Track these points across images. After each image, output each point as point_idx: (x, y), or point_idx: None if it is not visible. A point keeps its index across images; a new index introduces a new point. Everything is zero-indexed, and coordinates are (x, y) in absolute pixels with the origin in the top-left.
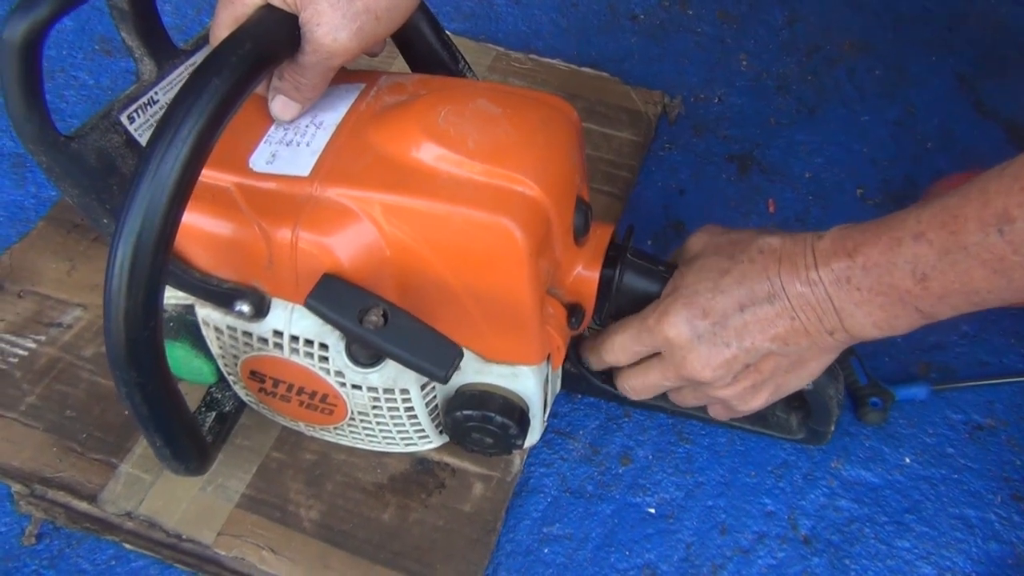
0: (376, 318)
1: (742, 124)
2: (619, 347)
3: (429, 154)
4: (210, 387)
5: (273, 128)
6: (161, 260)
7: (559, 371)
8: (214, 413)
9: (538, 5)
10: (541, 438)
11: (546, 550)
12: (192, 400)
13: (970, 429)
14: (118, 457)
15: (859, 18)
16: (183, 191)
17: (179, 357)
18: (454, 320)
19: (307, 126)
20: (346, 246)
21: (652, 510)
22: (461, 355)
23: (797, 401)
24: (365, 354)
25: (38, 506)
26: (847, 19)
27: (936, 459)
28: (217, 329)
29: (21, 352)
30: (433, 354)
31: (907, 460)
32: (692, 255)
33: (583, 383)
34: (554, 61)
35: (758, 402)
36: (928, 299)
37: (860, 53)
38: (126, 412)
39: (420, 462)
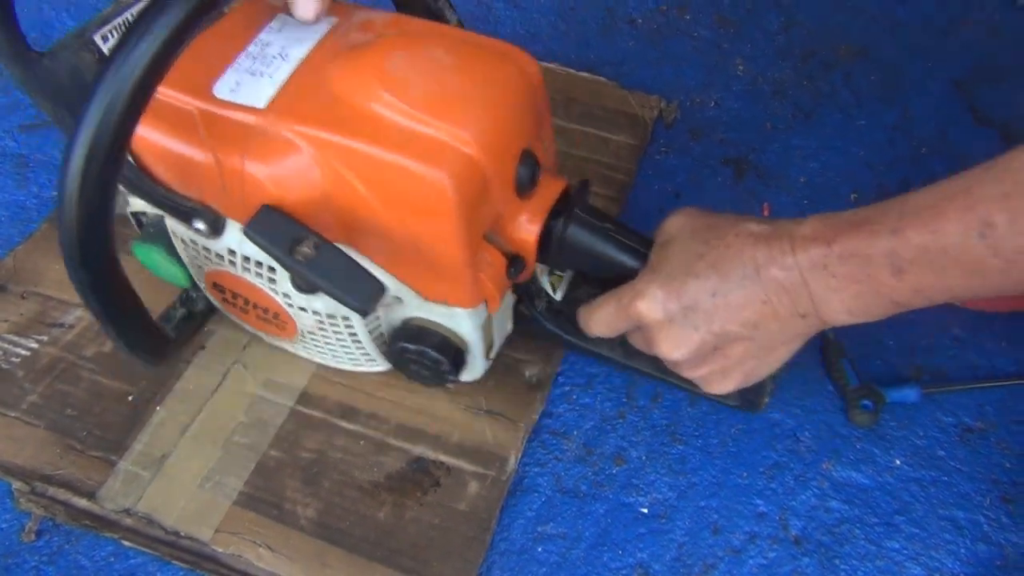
0: (308, 250)
1: (738, 128)
2: (603, 323)
3: (378, 100)
4: (186, 288)
5: (243, 56)
6: (113, 164)
7: (508, 313)
8: (185, 310)
9: (536, 8)
10: (535, 439)
11: (540, 549)
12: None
13: (960, 432)
14: (118, 455)
15: (855, 24)
16: (143, 93)
17: (157, 260)
18: (392, 259)
19: (273, 57)
20: (290, 180)
21: (645, 510)
22: (383, 291)
23: None
24: (306, 282)
25: (38, 503)
26: (843, 24)
27: (926, 461)
28: (183, 241)
29: (23, 352)
30: (355, 288)
31: (897, 462)
32: (669, 237)
33: (534, 326)
34: (552, 65)
35: (728, 386)
36: (903, 292)
37: (856, 58)
38: (127, 407)
39: (416, 460)
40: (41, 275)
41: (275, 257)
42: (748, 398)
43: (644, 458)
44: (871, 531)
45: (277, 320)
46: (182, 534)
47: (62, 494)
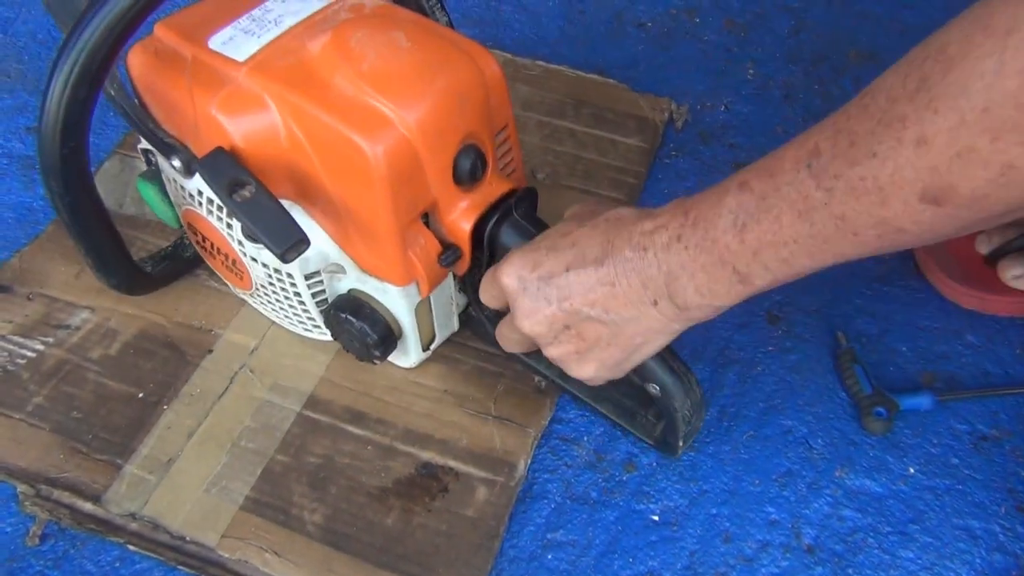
0: (246, 193)
1: (748, 132)
2: (485, 293)
3: (335, 70)
4: (181, 233)
5: (244, 17)
6: (93, 83)
7: (452, 310)
8: (170, 251)
9: (545, 12)
10: (545, 445)
11: (549, 556)
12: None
13: (975, 439)
14: (123, 458)
15: (865, 28)
16: (130, 21)
17: (153, 198)
18: (336, 226)
19: (269, 22)
20: (248, 129)
21: (656, 517)
22: (304, 242)
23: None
24: None
25: (43, 507)
26: (853, 29)
27: (940, 469)
28: (169, 179)
29: (29, 354)
30: (279, 233)
31: (911, 470)
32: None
33: (479, 329)
34: (561, 67)
35: (586, 371)
36: (744, 256)
37: (866, 62)
38: (134, 410)
39: (424, 466)
40: (47, 277)
41: (216, 195)
42: (665, 440)
43: (655, 465)
44: (885, 540)
45: (235, 268)
46: (188, 539)
47: (67, 497)
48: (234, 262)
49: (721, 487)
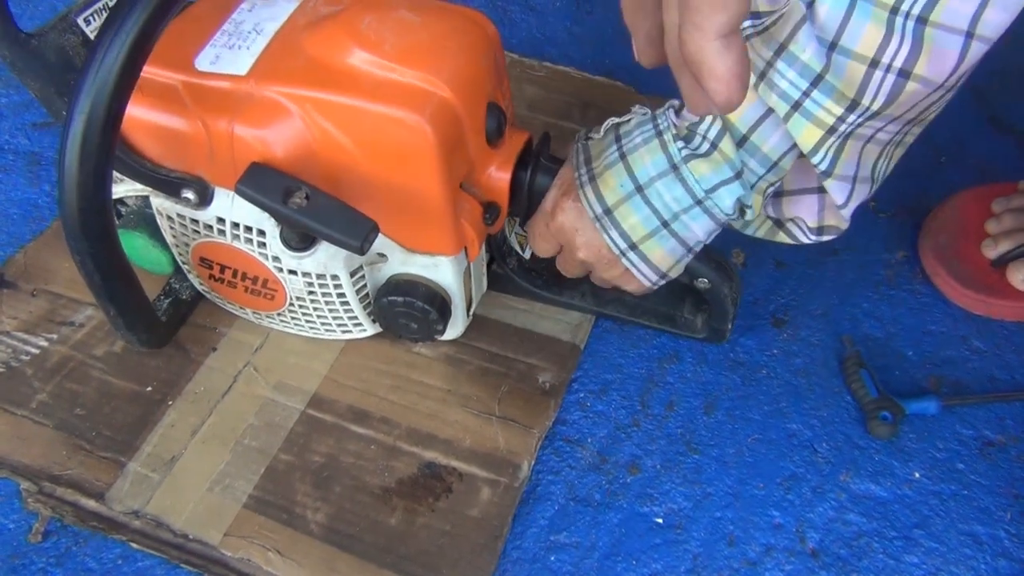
0: (300, 200)
1: None
2: (540, 240)
3: (353, 56)
4: (169, 278)
5: (219, 34)
6: (109, 136)
7: (483, 270)
8: (171, 299)
9: (552, 13)
10: (549, 447)
11: (553, 558)
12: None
13: (980, 445)
14: (127, 456)
15: None
16: (128, 74)
17: (139, 247)
18: (377, 212)
19: (249, 32)
20: (277, 138)
21: (660, 520)
22: (376, 228)
23: (703, 304)
24: (296, 238)
25: (46, 503)
26: None
27: (946, 474)
28: (169, 218)
29: (33, 350)
30: (350, 227)
31: (917, 475)
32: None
33: (508, 284)
34: (568, 69)
35: (634, 284)
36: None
37: None
38: (138, 407)
39: (428, 466)
40: (52, 273)
41: (269, 209)
42: (715, 328)
43: (659, 467)
44: (890, 545)
45: (266, 288)
46: (191, 537)
47: (70, 495)
48: (265, 282)
49: (725, 490)
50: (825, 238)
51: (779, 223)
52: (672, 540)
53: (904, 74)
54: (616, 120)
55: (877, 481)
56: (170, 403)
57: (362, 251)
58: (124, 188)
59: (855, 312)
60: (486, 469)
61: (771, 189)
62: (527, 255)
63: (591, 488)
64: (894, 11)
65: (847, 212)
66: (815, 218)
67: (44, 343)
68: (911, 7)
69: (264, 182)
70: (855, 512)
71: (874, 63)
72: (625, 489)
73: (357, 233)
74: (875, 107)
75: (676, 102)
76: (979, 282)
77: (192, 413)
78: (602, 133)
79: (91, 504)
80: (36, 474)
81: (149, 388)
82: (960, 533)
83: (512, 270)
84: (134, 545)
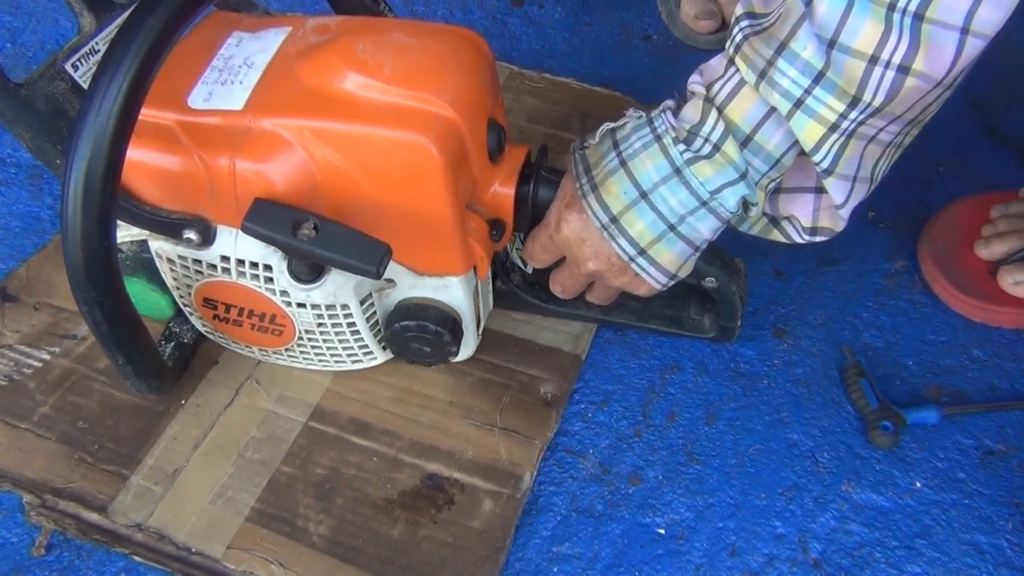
0: (308, 231)
1: None
2: (537, 252)
3: (351, 82)
4: (168, 322)
5: (209, 70)
6: (111, 184)
7: (489, 287)
8: (173, 343)
9: (552, 24)
10: (551, 458)
11: (555, 569)
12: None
13: (981, 454)
14: (129, 469)
15: None
16: (126, 120)
17: (137, 293)
18: (385, 237)
19: (239, 67)
20: (280, 171)
21: (662, 531)
22: (389, 251)
23: (709, 303)
24: (305, 270)
25: (48, 517)
26: None
27: (947, 484)
28: (170, 260)
29: (35, 363)
30: (363, 252)
31: (918, 484)
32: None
33: (513, 299)
34: (567, 80)
35: (644, 288)
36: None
37: None
38: (140, 420)
39: (430, 477)
40: (54, 286)
41: (279, 244)
42: (724, 327)
43: (661, 478)
44: (892, 555)
45: (274, 324)
46: (193, 550)
47: (73, 508)
48: (272, 318)
49: (727, 501)
50: (819, 239)
51: (774, 221)
52: (674, 551)
53: (903, 70)
54: (611, 125)
55: (879, 491)
56: (172, 416)
57: (378, 275)
58: (120, 234)
59: (855, 322)
60: (488, 480)
61: (772, 185)
62: (530, 269)
63: (593, 499)
64: (891, 7)
65: (845, 212)
66: (810, 218)
67: (46, 356)
68: (907, 3)
69: (271, 217)
70: (857, 522)
71: (873, 59)
72: (627, 500)
73: (372, 257)
74: (876, 103)
75: (671, 103)
76: (977, 288)
77: (194, 426)
78: (597, 139)
79: (94, 517)
80: (39, 487)
81: (151, 401)
82: (962, 542)
83: (517, 286)
84: (137, 558)
